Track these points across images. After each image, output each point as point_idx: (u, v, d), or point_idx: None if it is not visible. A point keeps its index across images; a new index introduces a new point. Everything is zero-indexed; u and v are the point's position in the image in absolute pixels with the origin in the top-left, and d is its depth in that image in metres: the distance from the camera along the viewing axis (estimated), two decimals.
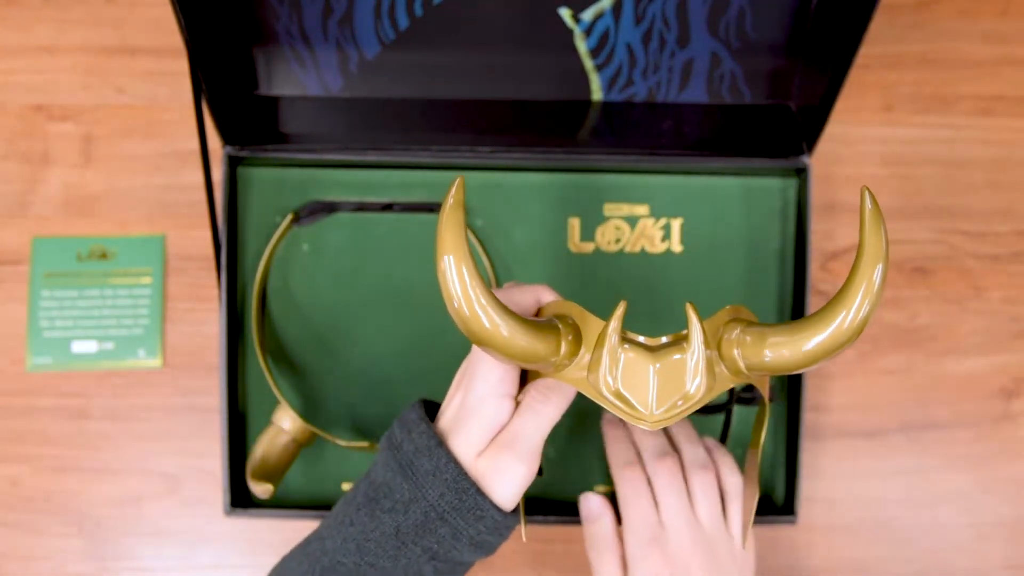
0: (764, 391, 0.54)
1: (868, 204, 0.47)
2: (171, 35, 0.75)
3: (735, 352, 0.49)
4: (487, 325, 0.47)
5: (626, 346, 0.50)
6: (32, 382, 0.74)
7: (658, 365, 0.49)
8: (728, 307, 0.53)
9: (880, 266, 0.46)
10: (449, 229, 0.47)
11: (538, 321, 0.50)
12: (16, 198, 0.76)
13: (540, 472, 0.68)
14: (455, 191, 0.49)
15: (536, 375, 0.55)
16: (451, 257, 0.47)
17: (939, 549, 0.73)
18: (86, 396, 0.74)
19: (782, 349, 0.47)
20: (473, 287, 0.47)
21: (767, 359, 0.48)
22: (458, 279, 0.47)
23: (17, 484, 0.74)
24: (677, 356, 0.49)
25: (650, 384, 0.49)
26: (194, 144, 0.75)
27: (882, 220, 0.47)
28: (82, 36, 0.77)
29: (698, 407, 0.50)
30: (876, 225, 0.47)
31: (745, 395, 0.68)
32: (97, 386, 0.74)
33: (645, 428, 0.50)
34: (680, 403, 0.49)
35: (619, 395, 0.50)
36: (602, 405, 0.50)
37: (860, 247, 0.46)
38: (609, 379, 0.49)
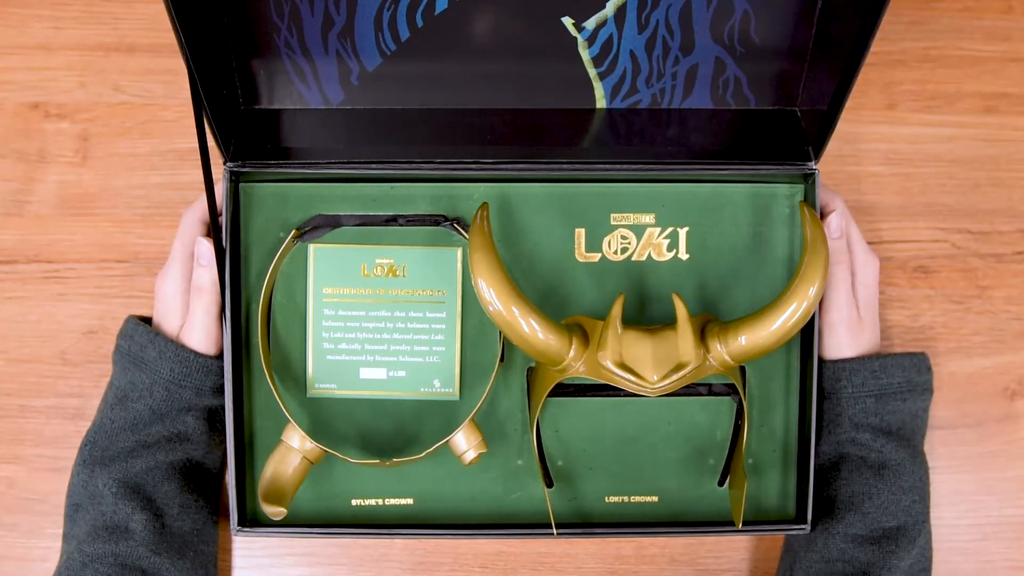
0: (741, 391, 0.66)
1: (806, 212, 0.65)
2: (168, 33, 0.74)
3: (718, 346, 0.62)
4: (526, 331, 0.60)
5: (628, 328, 0.62)
6: (27, 381, 0.74)
7: (655, 341, 0.62)
8: (701, 313, 0.68)
9: (823, 260, 0.62)
10: (477, 251, 0.60)
11: (557, 324, 0.61)
12: (12, 196, 0.75)
13: (549, 483, 0.69)
14: (480, 217, 0.63)
15: (544, 378, 0.65)
16: (483, 281, 0.60)
17: (941, 549, 0.74)
18: (83, 397, 0.74)
19: (753, 333, 0.61)
20: (505, 303, 0.60)
21: (743, 344, 0.62)
22: (496, 298, 0.60)
23: (13, 485, 0.74)
24: (669, 333, 0.62)
25: (649, 356, 0.61)
26: (191, 143, 0.75)
27: (819, 221, 0.64)
28: (79, 34, 0.76)
29: (692, 377, 0.61)
30: (815, 225, 0.64)
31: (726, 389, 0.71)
32: (95, 387, 0.74)
33: (648, 396, 0.61)
34: (675, 371, 0.61)
35: (623, 366, 0.61)
36: (609, 381, 0.61)
37: (804, 244, 0.63)
38: (614, 353, 0.61)
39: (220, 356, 0.68)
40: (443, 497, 0.70)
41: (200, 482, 0.69)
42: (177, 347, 0.67)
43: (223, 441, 0.70)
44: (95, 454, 0.67)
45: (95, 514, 0.66)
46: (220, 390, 0.68)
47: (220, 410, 0.69)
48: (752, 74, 0.69)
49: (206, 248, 0.66)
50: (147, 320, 0.70)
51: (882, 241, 0.76)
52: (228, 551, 0.74)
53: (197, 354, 0.67)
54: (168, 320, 0.68)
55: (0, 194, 0.75)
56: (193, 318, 0.67)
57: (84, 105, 0.76)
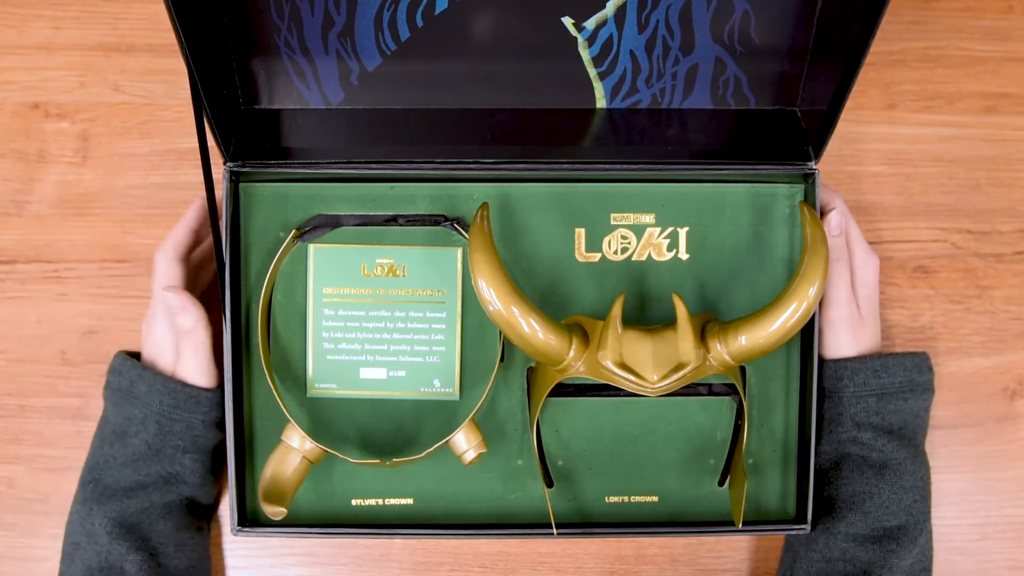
0: (741, 391, 0.66)
1: (806, 212, 0.64)
2: (168, 33, 0.75)
3: (718, 346, 0.62)
4: (526, 331, 0.60)
5: (628, 328, 0.62)
6: (27, 381, 0.74)
7: (655, 341, 0.62)
8: (701, 313, 0.68)
9: (823, 259, 0.61)
10: (477, 251, 0.60)
11: (557, 324, 0.61)
12: (12, 196, 0.75)
13: (549, 483, 0.69)
14: (480, 217, 0.62)
15: (544, 378, 0.65)
16: (483, 280, 0.60)
17: (941, 549, 0.74)
18: (84, 397, 0.74)
19: (753, 333, 0.61)
20: (505, 302, 0.60)
21: (743, 344, 0.62)
22: (496, 298, 0.59)
23: (13, 485, 0.74)
24: (669, 333, 0.62)
25: (649, 356, 0.61)
26: (191, 143, 0.75)
27: (819, 221, 0.64)
28: (79, 33, 0.76)
29: (692, 377, 0.62)
30: (815, 224, 0.63)
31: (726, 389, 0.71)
32: (95, 387, 0.74)
33: (648, 396, 0.61)
34: (675, 371, 0.61)
35: (623, 366, 0.61)
36: (609, 381, 0.61)
37: (804, 244, 0.63)
38: (614, 353, 0.61)
39: (215, 388, 0.67)
40: (443, 497, 0.70)
41: (195, 519, 0.69)
42: (166, 380, 0.66)
43: (218, 481, 0.71)
44: (96, 492, 0.66)
45: (91, 553, 0.65)
46: (218, 424, 0.68)
47: (218, 448, 0.69)
48: (752, 74, 0.69)
49: (175, 300, 0.65)
50: (136, 355, 0.70)
51: (882, 241, 0.76)
52: (224, 549, 0.74)
53: (186, 384, 0.66)
54: (161, 359, 0.68)
55: (0, 194, 0.75)
56: (184, 357, 0.67)
57: (84, 105, 0.76)
